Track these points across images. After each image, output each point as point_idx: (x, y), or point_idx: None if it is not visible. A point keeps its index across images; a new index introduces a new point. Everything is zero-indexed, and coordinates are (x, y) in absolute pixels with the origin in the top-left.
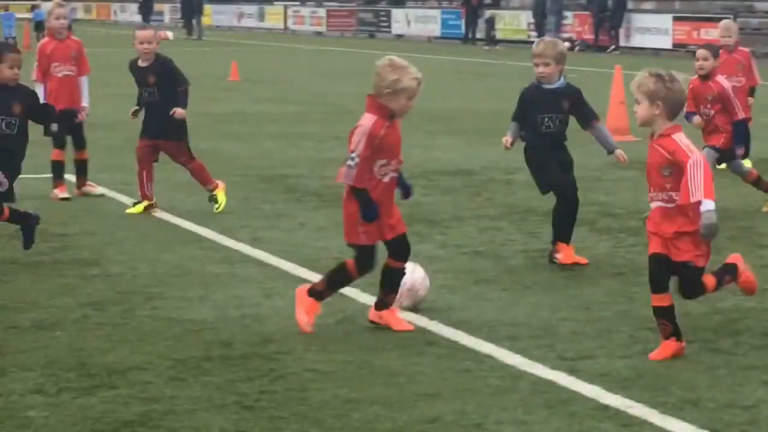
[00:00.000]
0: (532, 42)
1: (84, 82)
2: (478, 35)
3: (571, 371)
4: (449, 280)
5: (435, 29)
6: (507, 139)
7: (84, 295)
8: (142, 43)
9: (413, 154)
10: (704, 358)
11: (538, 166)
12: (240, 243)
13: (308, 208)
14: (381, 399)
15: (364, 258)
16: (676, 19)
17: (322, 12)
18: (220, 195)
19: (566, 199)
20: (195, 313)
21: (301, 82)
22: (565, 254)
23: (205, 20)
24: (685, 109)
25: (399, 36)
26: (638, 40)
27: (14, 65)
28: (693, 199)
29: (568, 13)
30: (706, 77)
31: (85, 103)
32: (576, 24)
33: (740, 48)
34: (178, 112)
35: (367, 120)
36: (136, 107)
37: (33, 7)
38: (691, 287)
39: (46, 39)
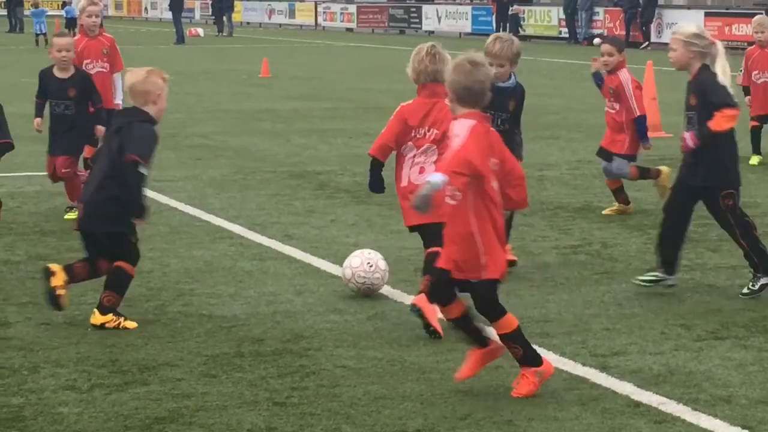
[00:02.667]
0: (564, 38)
1: (117, 79)
2: (508, 32)
3: (603, 368)
4: None
5: (466, 25)
6: None
7: None
8: (60, 50)
9: None
10: (736, 354)
11: None
12: (271, 239)
13: (339, 205)
14: (412, 395)
15: None
16: (707, 15)
17: (352, 8)
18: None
19: None
20: (226, 309)
21: (331, 78)
22: None
23: (236, 17)
24: None
25: (430, 32)
26: (669, 36)
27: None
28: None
29: (599, 9)
30: (611, 72)
31: (118, 100)
32: (607, 20)
33: None
34: (99, 129)
35: None
36: (39, 118)
37: (63, 4)
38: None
39: (78, 36)
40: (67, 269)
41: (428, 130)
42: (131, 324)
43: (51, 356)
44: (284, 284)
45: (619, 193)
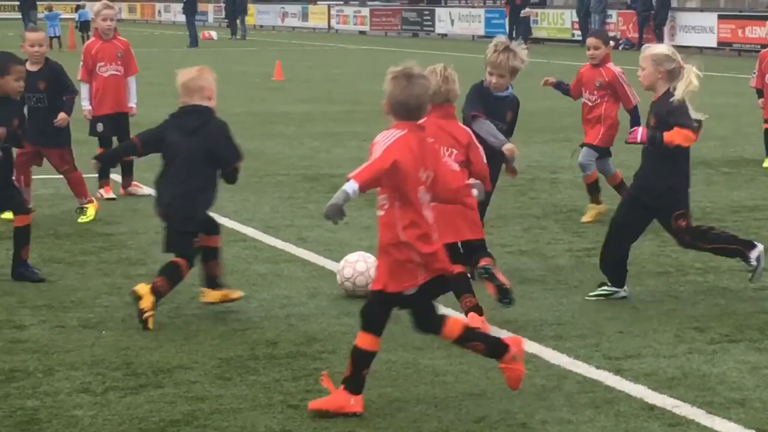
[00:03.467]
0: (577, 41)
1: (132, 82)
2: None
3: (617, 371)
4: None
5: (479, 28)
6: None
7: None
8: (32, 45)
9: None
10: (751, 357)
11: None
12: (285, 242)
13: (353, 208)
14: (427, 398)
15: None
16: (721, 17)
17: (365, 11)
18: (91, 209)
19: None
20: (240, 312)
21: (344, 81)
22: None
23: (249, 20)
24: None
25: (443, 35)
26: (683, 39)
27: (20, 78)
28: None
29: (612, 12)
30: (598, 65)
31: (132, 103)
32: (620, 23)
33: None
34: (62, 117)
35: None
36: None
37: (77, 8)
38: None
39: (92, 39)
40: (154, 290)
41: (447, 150)
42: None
43: (66, 359)
44: (298, 287)
45: (594, 191)
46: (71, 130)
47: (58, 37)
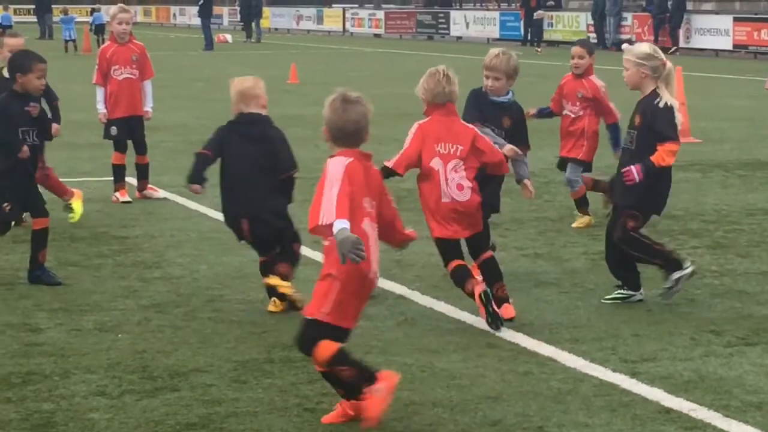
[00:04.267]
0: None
1: (148, 85)
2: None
3: (633, 374)
4: (510, 282)
5: (494, 31)
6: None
7: (145, 297)
8: (11, 51)
9: None
10: (767, 360)
11: None
12: (301, 246)
13: None
14: (443, 402)
15: None
16: (736, 20)
17: (380, 14)
18: (76, 203)
19: None
20: (256, 315)
21: (360, 84)
22: None
23: (264, 23)
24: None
25: (458, 38)
26: (698, 42)
27: (42, 75)
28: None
29: (627, 15)
30: (581, 75)
31: (148, 107)
32: (635, 25)
33: None
34: (56, 129)
35: None
36: None
37: (92, 11)
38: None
39: (107, 43)
40: (281, 276)
41: (452, 147)
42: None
43: (82, 362)
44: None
45: (583, 204)
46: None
47: (74, 41)
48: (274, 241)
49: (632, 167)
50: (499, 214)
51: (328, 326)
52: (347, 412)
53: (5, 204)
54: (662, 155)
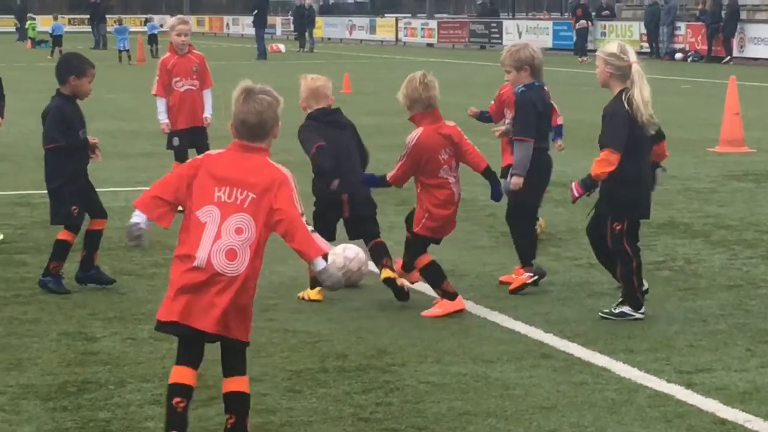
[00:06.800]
0: (645, 53)
1: (207, 94)
2: (589, 47)
3: (688, 384)
4: (564, 292)
5: (547, 41)
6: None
7: None
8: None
9: None
10: None
11: None
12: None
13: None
14: (497, 411)
15: None
16: None
17: (433, 24)
18: None
19: None
20: (310, 324)
21: None
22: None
23: (317, 33)
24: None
25: None
26: (752, 51)
27: (92, 80)
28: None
29: (680, 24)
30: None
31: (207, 114)
32: (689, 35)
33: None
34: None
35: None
36: None
37: (146, 21)
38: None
39: (167, 54)
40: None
41: (445, 152)
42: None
43: (137, 371)
44: (368, 300)
45: None
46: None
47: (127, 51)
48: (368, 219)
49: (572, 183)
50: (553, 224)
51: None
52: None
53: (73, 207)
54: (595, 164)
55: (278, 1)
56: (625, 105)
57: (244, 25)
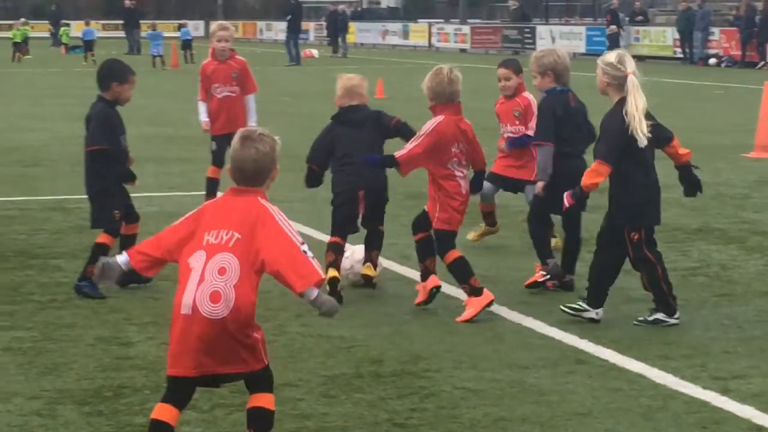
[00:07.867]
0: (679, 58)
1: (250, 100)
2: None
3: (724, 391)
4: None
5: (580, 46)
6: None
7: None
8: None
9: None
10: None
11: None
12: (389, 260)
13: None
14: (532, 417)
15: None
16: None
17: (466, 29)
18: None
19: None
20: (345, 330)
21: None
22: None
23: (350, 38)
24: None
25: None
26: None
27: (133, 87)
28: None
29: (714, 29)
30: (512, 96)
31: (252, 121)
32: (723, 40)
33: None
34: None
35: None
36: None
37: (180, 26)
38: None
39: (208, 59)
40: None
41: (458, 146)
42: None
43: None
44: (402, 305)
45: (490, 216)
46: None
47: (161, 56)
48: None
49: (566, 193)
50: (587, 231)
51: None
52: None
53: (115, 211)
54: (585, 175)
55: (311, 6)
56: (623, 115)
57: (278, 31)
